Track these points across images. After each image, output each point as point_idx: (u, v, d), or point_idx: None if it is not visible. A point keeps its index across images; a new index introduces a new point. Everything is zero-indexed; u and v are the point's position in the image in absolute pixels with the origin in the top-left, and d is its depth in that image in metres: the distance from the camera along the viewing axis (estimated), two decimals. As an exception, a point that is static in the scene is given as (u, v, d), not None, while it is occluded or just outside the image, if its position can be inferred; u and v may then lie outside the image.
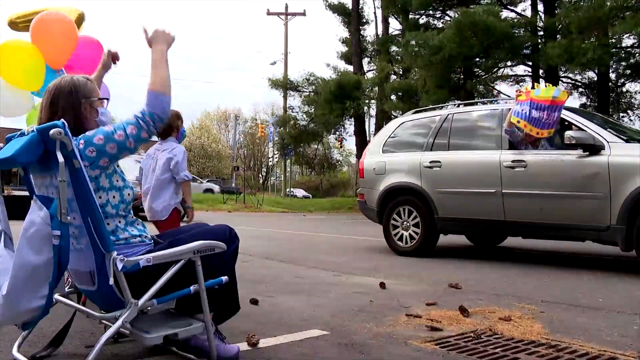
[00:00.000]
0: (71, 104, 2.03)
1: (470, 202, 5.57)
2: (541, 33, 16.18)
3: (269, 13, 32.51)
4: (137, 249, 2.03)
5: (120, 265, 1.86)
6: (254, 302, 3.34)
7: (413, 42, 16.70)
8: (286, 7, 32.13)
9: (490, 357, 2.33)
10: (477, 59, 16.89)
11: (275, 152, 29.14)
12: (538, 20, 16.60)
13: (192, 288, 2.04)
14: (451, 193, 5.72)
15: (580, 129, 4.96)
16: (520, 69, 18.90)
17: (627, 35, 14.73)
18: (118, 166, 2.10)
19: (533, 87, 5.30)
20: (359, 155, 22.05)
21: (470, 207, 5.57)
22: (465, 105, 6.80)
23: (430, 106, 7.84)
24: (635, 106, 19.16)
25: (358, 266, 5.26)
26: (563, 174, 4.97)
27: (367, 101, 22.60)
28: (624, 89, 18.99)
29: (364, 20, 25.58)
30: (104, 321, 2.16)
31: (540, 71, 17.28)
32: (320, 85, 23.09)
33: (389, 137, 6.64)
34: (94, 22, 4.05)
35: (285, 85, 25.38)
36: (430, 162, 5.92)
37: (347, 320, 2.95)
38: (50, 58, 3.41)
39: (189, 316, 2.18)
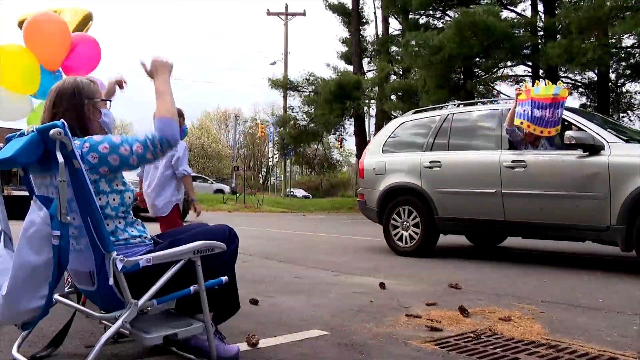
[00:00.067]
0: (74, 105, 2.04)
1: (470, 202, 5.57)
2: (541, 33, 16.18)
3: (269, 13, 32.51)
4: (136, 250, 2.03)
5: (120, 266, 1.86)
6: (254, 302, 3.34)
7: (413, 42, 16.69)
8: (286, 7, 32.14)
9: (490, 358, 2.33)
10: (477, 59, 16.89)
11: (275, 152, 29.13)
12: (538, 20, 16.60)
13: (192, 288, 2.05)
14: (451, 193, 5.72)
15: (580, 129, 4.96)
16: (520, 69, 18.93)
17: (627, 35, 14.74)
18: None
19: (533, 85, 5.31)
20: (359, 155, 22.06)
21: (470, 207, 5.57)
22: (465, 105, 6.80)
23: (430, 106, 7.85)
24: (635, 106, 19.17)
25: (358, 266, 5.26)
26: (563, 174, 4.97)
27: (367, 101, 22.60)
28: (624, 89, 19.01)
29: (364, 20, 25.58)
30: (103, 321, 2.16)
31: (540, 71, 17.27)
32: (320, 85, 23.09)
33: (389, 137, 6.64)
34: (96, 22, 4.04)
35: (285, 85, 25.38)
36: (430, 162, 5.92)
37: (347, 321, 2.95)
38: (45, 59, 3.40)
39: (189, 316, 2.18)
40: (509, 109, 5.41)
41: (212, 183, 30.71)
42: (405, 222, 6.10)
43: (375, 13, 25.58)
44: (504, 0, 17.95)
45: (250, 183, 39.66)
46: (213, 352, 2.11)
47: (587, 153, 4.80)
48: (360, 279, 4.43)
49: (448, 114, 6.20)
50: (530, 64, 17.25)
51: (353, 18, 24.14)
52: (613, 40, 15.01)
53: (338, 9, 25.31)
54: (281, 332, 2.67)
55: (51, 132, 1.78)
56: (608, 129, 4.99)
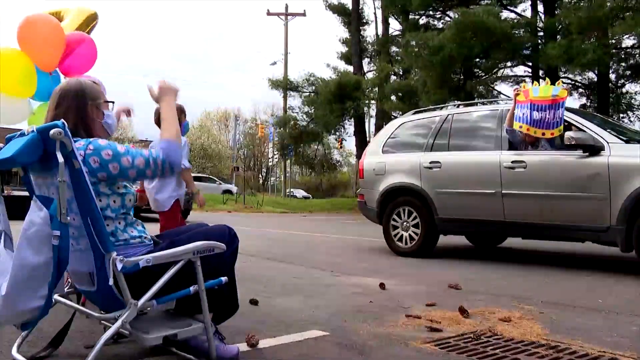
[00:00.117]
0: (77, 106, 2.06)
1: (470, 203, 5.57)
2: (541, 33, 16.19)
3: (269, 13, 32.55)
4: (136, 250, 2.03)
5: (119, 266, 1.86)
6: (254, 302, 3.34)
7: (413, 43, 16.72)
8: (286, 8, 32.17)
9: (490, 358, 2.33)
10: (477, 60, 16.91)
11: (275, 153, 29.15)
12: (538, 20, 16.61)
13: (191, 289, 2.05)
14: (451, 193, 5.72)
15: (580, 129, 4.96)
16: (520, 70, 18.95)
17: (627, 36, 14.76)
18: None
19: (532, 85, 5.30)
20: (359, 155, 22.06)
21: (470, 207, 5.57)
22: (465, 105, 6.80)
23: (431, 107, 7.85)
24: (635, 107, 19.16)
25: (358, 266, 5.26)
26: (563, 174, 4.97)
27: (367, 101, 22.63)
28: (624, 90, 19.00)
29: (364, 21, 25.63)
30: (103, 322, 2.16)
31: (540, 72, 17.28)
32: (320, 86, 23.12)
33: (389, 137, 6.64)
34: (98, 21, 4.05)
35: (285, 86, 25.40)
36: (430, 163, 5.92)
37: (346, 321, 2.95)
38: (40, 61, 3.40)
39: (189, 317, 2.18)
40: (509, 109, 5.41)
41: (220, 184, 30.71)
42: (405, 223, 6.10)
43: (375, 13, 25.66)
44: (504, 0, 17.95)
45: (250, 183, 39.68)
46: (213, 353, 2.11)
47: (587, 153, 4.80)
48: (360, 280, 4.43)
49: (448, 115, 6.20)
50: (530, 64, 17.27)
51: (353, 18, 24.17)
52: (613, 41, 15.04)
53: (338, 10, 25.33)
54: (281, 333, 2.67)
55: (51, 132, 1.78)
56: (608, 130, 4.99)
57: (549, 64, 14.86)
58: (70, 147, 1.82)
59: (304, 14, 32.35)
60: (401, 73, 23.04)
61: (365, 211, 6.67)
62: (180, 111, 3.92)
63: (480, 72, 18.55)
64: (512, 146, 5.40)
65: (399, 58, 22.96)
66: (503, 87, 28.90)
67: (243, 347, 2.36)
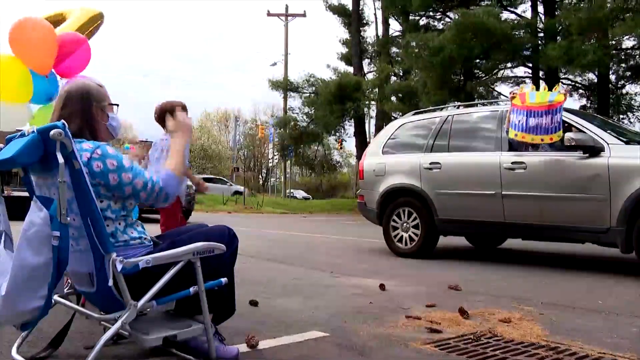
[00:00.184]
0: (82, 108, 2.08)
1: (470, 204, 5.57)
2: (541, 34, 16.20)
3: (269, 14, 32.56)
4: (136, 251, 2.03)
5: (119, 267, 1.86)
6: (254, 303, 3.34)
7: (413, 44, 16.74)
8: (286, 8, 32.18)
9: (490, 359, 2.33)
10: (478, 61, 16.92)
11: (275, 153, 29.14)
12: (538, 21, 16.63)
13: (191, 289, 2.05)
14: (451, 194, 5.72)
15: (580, 130, 4.97)
16: (521, 71, 18.97)
17: (627, 37, 14.77)
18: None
19: (531, 88, 5.30)
20: (359, 156, 22.06)
21: (470, 208, 5.57)
22: (466, 106, 6.80)
23: (431, 107, 7.85)
24: (635, 108, 19.18)
25: (358, 267, 5.26)
26: (563, 175, 4.97)
27: (367, 102, 22.62)
28: (624, 91, 19.03)
29: (364, 22, 25.63)
30: (103, 322, 2.16)
31: (541, 73, 17.29)
32: (320, 87, 23.12)
33: (389, 138, 6.64)
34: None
35: (285, 87, 25.41)
36: (430, 164, 5.92)
37: (346, 322, 2.95)
38: (34, 64, 3.39)
39: (189, 317, 2.18)
40: (509, 111, 5.41)
41: (231, 185, 30.71)
42: (405, 224, 6.10)
43: (375, 14, 25.67)
44: (504, 1, 17.97)
45: (250, 184, 39.68)
46: (212, 354, 2.11)
47: (587, 155, 4.80)
48: (360, 281, 4.43)
49: (448, 116, 6.20)
50: (530, 65, 17.28)
51: (353, 19, 24.18)
52: (613, 42, 15.05)
53: (338, 10, 25.35)
54: (281, 334, 2.67)
55: (51, 132, 1.78)
56: (608, 131, 4.99)
57: (549, 65, 14.88)
58: (71, 147, 1.82)
59: (304, 15, 32.37)
60: (401, 74, 23.05)
61: (365, 212, 6.67)
62: (183, 108, 3.96)
63: (480, 73, 18.57)
64: (512, 147, 5.39)
65: (399, 59, 22.98)
66: (503, 88, 28.91)
67: (243, 348, 2.35)
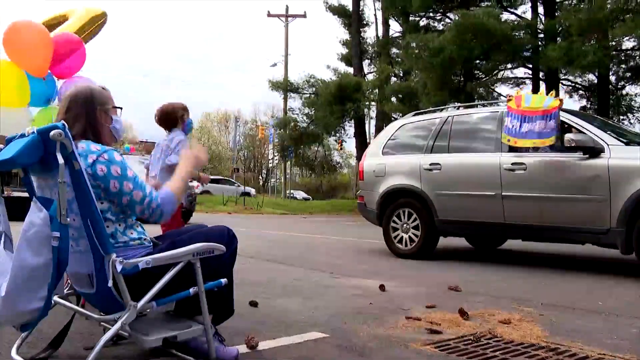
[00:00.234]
0: (86, 110, 2.10)
1: (470, 205, 5.57)
2: (541, 35, 16.21)
3: (269, 15, 32.58)
4: (136, 252, 2.03)
5: (119, 267, 1.86)
6: (254, 304, 3.34)
7: (413, 44, 16.74)
8: (286, 9, 32.19)
9: (490, 360, 2.33)
10: (478, 61, 16.93)
11: (276, 154, 29.14)
12: (538, 22, 16.63)
13: (191, 290, 2.05)
14: (451, 195, 5.72)
15: (580, 131, 4.97)
16: (521, 72, 18.98)
17: (627, 38, 14.77)
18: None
19: (533, 90, 5.31)
20: (359, 157, 22.06)
21: (470, 209, 5.57)
22: (466, 107, 6.80)
23: (431, 108, 7.85)
24: (635, 109, 19.19)
25: (358, 268, 5.25)
26: (563, 176, 4.97)
27: (367, 103, 22.63)
28: (624, 92, 19.03)
29: (365, 22, 25.65)
30: (103, 323, 2.16)
31: (541, 74, 17.29)
32: (320, 87, 23.14)
33: (389, 139, 6.64)
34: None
35: (285, 87, 25.43)
36: (430, 165, 5.92)
37: (346, 323, 2.95)
38: (30, 68, 3.39)
39: (189, 318, 2.18)
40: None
41: (239, 186, 30.75)
42: (405, 225, 6.10)
43: (375, 15, 25.69)
44: (504, 2, 17.98)
45: (250, 185, 39.64)
46: (212, 354, 2.10)
47: (587, 155, 4.80)
48: (360, 281, 4.43)
49: (448, 117, 6.20)
50: (530, 66, 17.28)
51: (353, 20, 24.19)
52: (613, 43, 15.05)
53: (338, 11, 25.36)
54: (280, 334, 2.67)
55: (51, 133, 1.78)
56: (608, 132, 4.99)
57: (549, 66, 14.88)
58: (71, 148, 1.82)
59: (304, 16, 32.38)
60: (401, 75, 23.06)
61: (365, 213, 6.67)
62: (182, 108, 3.98)
63: (480, 73, 18.58)
64: (512, 148, 5.39)
65: (399, 60, 22.99)
66: (503, 89, 28.86)
67: (243, 348, 2.35)
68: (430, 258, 5.92)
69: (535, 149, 5.29)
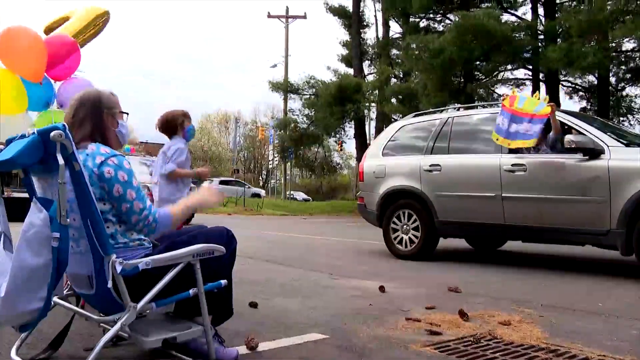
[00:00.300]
0: (94, 113, 2.13)
1: (470, 206, 5.57)
2: (541, 37, 16.20)
3: (269, 16, 32.58)
4: (136, 253, 2.04)
5: (119, 268, 1.86)
6: (253, 305, 3.33)
7: (413, 46, 16.74)
8: (287, 10, 32.20)
9: (490, 362, 2.33)
10: (478, 63, 16.92)
11: (276, 155, 29.14)
12: (538, 23, 16.63)
13: (191, 291, 2.05)
14: (451, 196, 5.72)
15: (580, 132, 4.97)
16: (521, 73, 18.97)
17: (627, 39, 14.77)
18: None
19: (533, 91, 5.33)
20: (359, 158, 22.05)
21: (470, 210, 5.57)
22: (466, 108, 6.81)
23: (431, 109, 7.85)
24: (636, 110, 19.19)
25: (358, 269, 5.25)
26: (563, 177, 4.97)
27: (367, 104, 22.62)
28: (624, 93, 19.03)
29: (365, 23, 25.64)
30: (102, 324, 2.15)
31: (541, 75, 17.29)
32: (320, 88, 23.13)
33: (389, 140, 6.64)
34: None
35: (285, 88, 25.42)
36: (430, 166, 5.92)
37: (346, 324, 2.95)
38: (25, 73, 3.39)
39: (188, 319, 2.18)
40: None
41: (249, 187, 30.79)
42: (405, 226, 6.10)
43: (375, 16, 25.68)
44: (505, 3, 17.98)
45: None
46: (212, 355, 2.11)
47: (587, 157, 4.79)
48: (360, 282, 4.43)
49: (448, 118, 6.20)
50: (530, 67, 17.28)
51: (354, 21, 24.19)
52: (613, 44, 15.05)
53: (339, 12, 25.36)
54: (280, 335, 2.67)
55: (52, 134, 1.78)
56: (608, 133, 4.99)
57: (549, 67, 14.87)
58: (71, 149, 1.82)
59: (304, 17, 32.38)
60: (401, 76, 23.05)
61: (365, 214, 6.66)
62: (183, 115, 4.02)
63: (480, 75, 18.57)
64: (513, 149, 5.39)
65: (399, 61, 22.98)
66: (503, 90, 28.80)
67: (242, 349, 2.35)
68: (430, 259, 5.92)
69: (537, 150, 5.30)
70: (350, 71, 24.58)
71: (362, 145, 22.12)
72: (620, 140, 4.91)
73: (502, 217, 5.30)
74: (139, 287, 1.95)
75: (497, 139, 5.25)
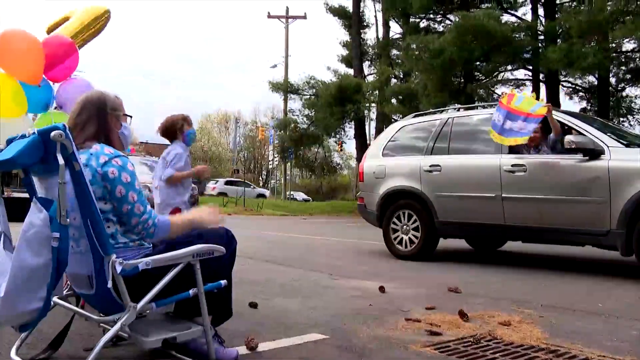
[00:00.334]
0: (98, 114, 2.14)
1: (470, 206, 5.57)
2: (541, 37, 16.20)
3: (269, 16, 32.58)
4: (136, 253, 2.04)
5: (119, 269, 1.86)
6: (253, 305, 3.33)
7: (414, 46, 16.74)
8: (287, 11, 32.20)
9: (490, 362, 2.33)
10: (478, 63, 16.91)
11: (276, 155, 29.13)
12: (538, 24, 16.63)
13: (191, 291, 2.05)
14: (451, 197, 5.72)
15: (580, 133, 4.97)
16: (521, 73, 18.97)
17: (627, 39, 14.78)
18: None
19: (532, 91, 5.34)
20: (359, 158, 22.05)
21: (470, 211, 5.57)
22: (466, 109, 6.81)
23: (431, 110, 7.85)
24: (635, 111, 19.19)
25: (358, 270, 5.25)
26: (563, 178, 4.97)
27: (367, 104, 22.60)
28: (624, 94, 19.04)
29: (365, 24, 25.64)
30: (102, 324, 2.16)
31: (541, 75, 17.29)
32: (320, 89, 23.11)
33: (389, 140, 6.64)
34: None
35: (285, 89, 25.41)
36: (430, 166, 5.92)
37: (346, 324, 2.95)
38: (24, 76, 3.39)
39: (188, 319, 2.18)
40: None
41: (254, 188, 30.81)
42: (405, 226, 6.10)
43: (376, 16, 25.67)
44: (505, 4, 17.98)
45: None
46: (212, 356, 2.11)
47: (587, 157, 4.80)
48: (360, 283, 4.43)
49: (448, 118, 6.20)
50: (530, 68, 17.28)
51: (354, 21, 24.18)
52: (613, 45, 15.05)
53: (339, 12, 25.36)
54: (280, 335, 2.67)
55: (52, 134, 1.78)
56: (608, 134, 4.99)
57: (550, 68, 14.87)
58: (71, 149, 1.82)
59: (304, 17, 32.38)
60: (402, 76, 23.04)
61: (365, 214, 6.66)
62: (183, 120, 4.05)
63: (480, 75, 18.56)
64: (512, 149, 5.40)
65: (399, 61, 22.98)
66: (503, 91, 28.89)
67: (242, 350, 2.35)
68: (430, 259, 5.92)
69: (537, 150, 5.31)
70: (351, 71, 24.58)
71: (362, 145, 22.11)
72: (620, 140, 4.91)
73: (502, 217, 5.30)
74: (139, 287, 1.95)
75: (491, 134, 5.28)
